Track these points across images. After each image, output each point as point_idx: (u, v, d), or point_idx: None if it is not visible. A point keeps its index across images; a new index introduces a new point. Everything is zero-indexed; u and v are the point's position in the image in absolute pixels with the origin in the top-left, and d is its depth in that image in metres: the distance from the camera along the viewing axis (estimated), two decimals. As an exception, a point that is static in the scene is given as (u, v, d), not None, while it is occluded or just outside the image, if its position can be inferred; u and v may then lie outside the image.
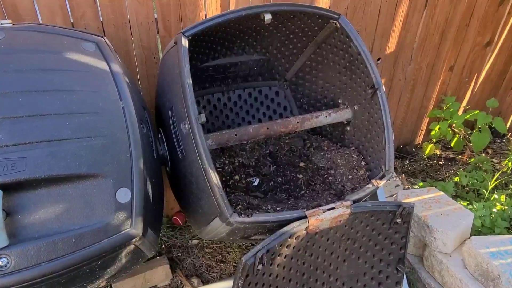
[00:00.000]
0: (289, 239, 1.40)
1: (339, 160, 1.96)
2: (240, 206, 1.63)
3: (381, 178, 1.61)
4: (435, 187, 2.62)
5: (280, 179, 1.99)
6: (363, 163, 1.92)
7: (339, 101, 2.09)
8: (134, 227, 1.21)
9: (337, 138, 2.17)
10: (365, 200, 1.63)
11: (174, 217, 2.67)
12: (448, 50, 3.05)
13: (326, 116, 1.98)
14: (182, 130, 1.43)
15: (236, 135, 1.80)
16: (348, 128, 2.06)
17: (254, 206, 1.65)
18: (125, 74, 1.39)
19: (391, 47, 2.79)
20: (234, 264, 2.47)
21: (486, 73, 3.41)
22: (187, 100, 1.37)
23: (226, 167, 1.95)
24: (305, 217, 1.42)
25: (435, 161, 3.42)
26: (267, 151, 2.11)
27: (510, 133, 3.72)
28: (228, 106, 2.34)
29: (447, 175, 3.18)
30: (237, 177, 1.92)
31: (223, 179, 1.90)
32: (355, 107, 1.97)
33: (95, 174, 1.17)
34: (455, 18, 2.90)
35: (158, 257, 2.38)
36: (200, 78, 2.18)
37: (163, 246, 2.52)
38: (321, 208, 1.44)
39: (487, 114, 3.08)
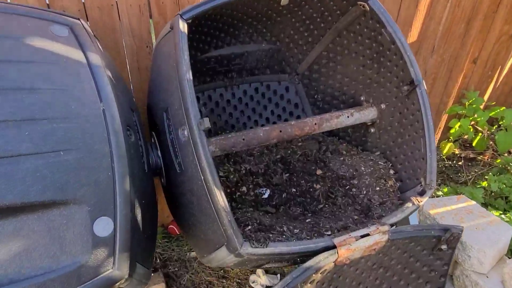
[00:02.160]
0: (313, 275, 1.12)
1: (362, 168, 1.68)
2: (249, 227, 1.35)
3: (421, 194, 1.33)
4: (462, 193, 2.35)
5: (294, 190, 1.71)
6: (391, 171, 1.64)
7: (362, 98, 1.80)
8: (118, 268, 0.93)
9: (358, 141, 1.89)
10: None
11: (170, 226, 2.39)
12: (473, 40, 2.76)
13: (348, 116, 1.69)
14: (180, 137, 1.14)
15: (244, 139, 1.52)
16: (372, 130, 1.77)
17: (267, 227, 1.37)
18: (107, 67, 1.09)
19: (413, 36, 2.49)
20: (237, 280, 2.20)
21: (511, 65, 3.13)
22: (187, 101, 1.08)
23: (231, 176, 1.67)
24: (334, 246, 1.14)
25: (454, 162, 3.15)
26: (278, 156, 1.82)
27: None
28: (231, 103, 2.05)
29: (469, 177, 2.91)
30: (244, 188, 1.63)
31: (228, 190, 1.62)
32: (382, 106, 1.69)
33: (65, 201, 0.88)
34: (482, 4, 2.60)
35: (152, 274, 2.10)
36: (200, 71, 1.88)
37: (158, 260, 2.24)
38: (352, 235, 1.16)
39: (515, 111, 2.80)
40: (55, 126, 0.90)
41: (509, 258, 1.95)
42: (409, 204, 1.29)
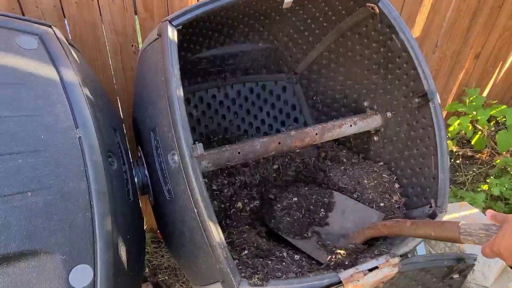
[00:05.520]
0: (318, 314, 1.02)
1: (365, 181, 1.57)
2: (246, 252, 1.24)
3: (431, 217, 1.23)
4: (463, 197, 2.28)
5: (291, 202, 1.60)
6: (396, 185, 1.54)
7: (365, 104, 1.68)
8: (99, 324, 0.81)
9: (359, 148, 1.77)
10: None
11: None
12: (477, 36, 2.64)
13: (351, 125, 1.57)
14: (169, 162, 1.01)
15: (239, 153, 1.39)
16: (376, 139, 1.66)
17: (265, 251, 1.26)
18: (84, 83, 0.94)
19: (416, 32, 2.36)
20: (231, 290, 2.11)
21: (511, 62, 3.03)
22: (177, 124, 0.94)
23: (225, 190, 1.55)
24: (340, 282, 1.04)
25: (452, 160, 3.07)
26: (275, 167, 1.70)
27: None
28: (225, 105, 1.90)
29: (467, 177, 2.84)
30: (239, 204, 1.52)
31: (222, 206, 1.50)
32: (388, 114, 1.57)
33: (33, 251, 0.75)
34: (488, -2, 2.48)
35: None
36: (191, 72, 1.73)
37: (147, 269, 2.13)
38: (360, 269, 1.06)
39: (516, 110, 2.71)
40: (21, 162, 0.76)
41: (511, 267, 1.89)
42: (420, 231, 1.19)
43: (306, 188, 1.60)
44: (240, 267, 1.12)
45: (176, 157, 0.98)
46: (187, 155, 0.94)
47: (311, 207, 1.52)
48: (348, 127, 1.57)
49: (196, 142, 0.97)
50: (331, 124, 1.55)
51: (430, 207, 1.26)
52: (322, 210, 1.51)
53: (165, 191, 1.06)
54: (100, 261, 0.82)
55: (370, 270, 1.07)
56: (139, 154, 1.32)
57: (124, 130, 1.73)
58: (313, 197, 1.55)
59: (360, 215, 1.44)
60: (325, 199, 1.54)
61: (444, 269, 1.17)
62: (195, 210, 0.95)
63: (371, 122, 1.60)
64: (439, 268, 1.16)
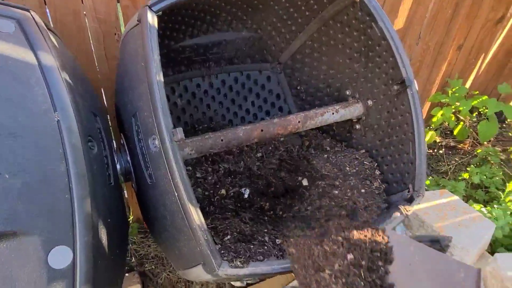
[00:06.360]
0: (297, 295, 1.05)
1: (347, 168, 1.60)
2: (229, 237, 1.26)
3: (409, 202, 1.27)
4: (445, 185, 2.33)
5: (277, 191, 1.62)
6: (377, 172, 1.57)
7: (347, 92, 1.70)
8: (79, 304, 0.82)
9: (342, 137, 1.80)
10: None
11: (146, 221, 2.28)
12: (459, 27, 2.68)
13: (333, 113, 1.60)
14: (150, 147, 1.02)
15: (222, 140, 1.40)
16: (358, 127, 1.69)
17: (247, 236, 1.28)
18: (64, 67, 0.95)
19: (399, 23, 2.39)
20: (217, 278, 2.13)
21: (494, 52, 3.09)
22: (157, 108, 0.95)
23: (209, 178, 1.56)
24: (319, 264, 1.06)
25: (435, 150, 3.13)
26: (259, 155, 1.72)
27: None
28: (209, 94, 1.91)
29: (450, 166, 2.91)
30: (223, 191, 1.53)
31: (206, 193, 1.52)
32: (369, 102, 1.59)
33: (12, 233, 0.76)
34: (471, -11, 2.52)
35: (127, 274, 2.00)
36: (175, 61, 1.73)
37: (134, 259, 2.14)
38: (339, 251, 1.08)
39: (497, 100, 2.77)
40: (-2, 144, 0.76)
41: (489, 253, 1.95)
42: (397, 214, 1.22)
43: None
44: (222, 252, 1.14)
45: (156, 142, 0.99)
46: (167, 140, 0.95)
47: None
48: (330, 115, 1.59)
49: (177, 128, 0.98)
50: (314, 112, 1.57)
51: (408, 191, 1.30)
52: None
53: (147, 176, 1.08)
54: (80, 243, 0.83)
55: (348, 251, 1.10)
56: (122, 142, 1.32)
57: (109, 118, 1.73)
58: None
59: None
60: None
61: (420, 251, 1.20)
62: (176, 194, 0.97)
63: (353, 110, 1.63)
64: (416, 250, 1.19)
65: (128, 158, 1.23)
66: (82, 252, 0.83)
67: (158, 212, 1.09)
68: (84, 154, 0.86)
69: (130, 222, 2.29)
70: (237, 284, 2.03)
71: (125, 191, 2.16)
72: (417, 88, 1.28)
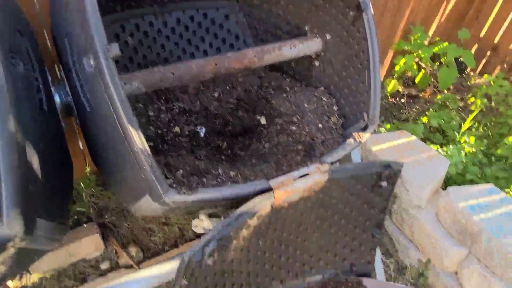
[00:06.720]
0: (249, 220, 1.03)
1: (306, 105, 1.57)
2: (181, 172, 1.22)
3: (363, 130, 1.26)
4: (404, 129, 2.36)
5: (234, 129, 1.58)
6: (335, 107, 1.55)
7: (306, 28, 1.64)
8: (7, 225, 0.76)
9: (302, 76, 1.76)
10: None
11: (104, 172, 2.20)
12: (423, -29, 2.64)
13: (290, 48, 1.54)
14: (85, 68, 0.94)
15: (173, 73, 1.32)
16: (317, 64, 1.65)
17: (201, 171, 1.24)
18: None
19: (362, -38, 2.31)
20: (179, 226, 2.12)
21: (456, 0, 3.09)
22: (89, 23, 0.86)
23: (163, 116, 1.49)
24: (270, 189, 1.05)
25: (397, 99, 3.17)
26: (216, 94, 1.66)
27: (470, 68, 3.54)
28: (163, 33, 1.80)
29: (410, 114, 2.96)
30: (177, 128, 1.47)
31: (159, 131, 1.45)
32: (327, 36, 1.55)
33: None
34: None
35: (85, 225, 1.95)
36: (122, -6, 1.60)
37: (92, 210, 2.08)
38: (290, 174, 1.07)
39: (457, 46, 2.80)
40: None
41: (444, 190, 2.02)
42: (351, 141, 1.21)
43: None
44: (174, 186, 1.10)
45: (91, 61, 0.91)
46: (101, 56, 0.87)
47: None
48: (287, 49, 1.54)
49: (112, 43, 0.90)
50: (271, 46, 1.51)
51: (364, 120, 1.28)
52: None
53: (85, 102, 1.00)
54: (3, 165, 0.76)
55: (301, 177, 1.09)
56: (61, 74, 1.22)
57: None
58: None
59: None
60: None
61: (373, 177, 1.21)
62: (114, 116, 0.90)
63: (311, 45, 1.58)
64: (369, 176, 1.19)
65: (67, 89, 1.14)
66: (7, 171, 0.76)
67: (100, 141, 1.02)
68: (4, 66, 0.77)
69: (88, 174, 2.20)
70: (198, 230, 2.02)
71: (80, 142, 2.06)
72: (372, 13, 1.23)
